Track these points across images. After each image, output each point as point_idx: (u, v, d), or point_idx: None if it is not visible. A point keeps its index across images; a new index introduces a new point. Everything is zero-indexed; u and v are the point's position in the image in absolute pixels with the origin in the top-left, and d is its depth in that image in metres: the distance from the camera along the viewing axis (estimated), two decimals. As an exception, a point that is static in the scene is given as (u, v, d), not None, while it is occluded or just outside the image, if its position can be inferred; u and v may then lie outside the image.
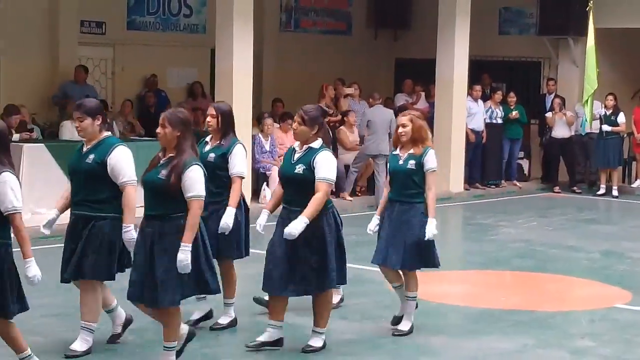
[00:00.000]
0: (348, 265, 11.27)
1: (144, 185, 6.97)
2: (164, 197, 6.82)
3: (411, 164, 8.21)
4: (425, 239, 8.15)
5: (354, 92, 18.55)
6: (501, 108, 18.94)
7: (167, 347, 7.07)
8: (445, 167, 17.86)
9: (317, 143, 7.57)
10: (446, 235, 15.43)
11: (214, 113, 8.32)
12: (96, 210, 7.30)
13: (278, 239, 7.52)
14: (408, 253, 8.22)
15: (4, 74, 12.55)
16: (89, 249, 7.28)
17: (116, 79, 18.47)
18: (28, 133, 14.67)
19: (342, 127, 17.11)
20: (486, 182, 18.98)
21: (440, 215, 16.51)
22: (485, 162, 18.88)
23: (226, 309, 8.47)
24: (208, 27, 18.80)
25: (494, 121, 18.84)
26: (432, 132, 17.58)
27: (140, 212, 7.12)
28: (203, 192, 6.86)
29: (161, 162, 6.94)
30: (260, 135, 15.79)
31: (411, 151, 8.24)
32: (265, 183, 15.42)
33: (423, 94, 19.56)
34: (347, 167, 16.59)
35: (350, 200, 16.42)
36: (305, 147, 7.57)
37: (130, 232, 7.21)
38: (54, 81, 16.73)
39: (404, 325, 8.44)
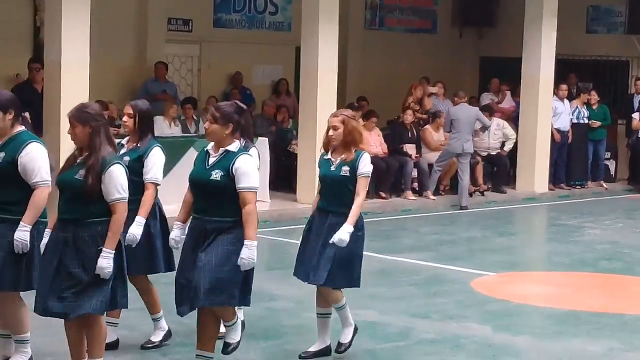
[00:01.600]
0: (429, 264, 11.39)
1: (59, 187, 6.34)
2: (81, 199, 6.19)
3: (344, 170, 7.27)
4: (330, 241, 7.13)
5: (438, 90, 18.48)
6: (585, 108, 18.71)
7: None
8: (530, 167, 17.73)
9: (234, 146, 6.64)
10: (531, 235, 15.33)
11: (131, 112, 7.50)
12: (9, 213, 6.61)
13: (187, 254, 6.68)
14: (335, 269, 7.24)
15: (93, 70, 12.75)
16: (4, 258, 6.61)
17: (202, 76, 18.66)
18: (116, 129, 14.90)
19: (427, 127, 17.05)
20: (571, 183, 18.75)
21: (525, 215, 16.58)
22: (571, 162, 18.64)
23: (156, 324, 7.71)
24: (293, 25, 18.88)
25: (580, 121, 18.61)
26: (516, 131, 17.81)
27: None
28: (126, 194, 6.27)
29: (78, 161, 6.32)
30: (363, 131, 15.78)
31: (343, 156, 7.32)
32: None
33: (509, 93, 19.40)
34: (430, 165, 16.54)
35: (434, 199, 16.36)
36: (221, 150, 6.61)
37: (25, 233, 6.52)
38: (141, 78, 16.96)
39: (347, 334, 7.56)
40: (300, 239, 7.51)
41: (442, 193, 16.85)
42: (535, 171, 17.74)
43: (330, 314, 7.53)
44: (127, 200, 6.27)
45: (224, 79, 18.64)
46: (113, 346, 7.40)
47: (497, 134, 17.66)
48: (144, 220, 7.20)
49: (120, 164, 6.30)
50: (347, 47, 19.38)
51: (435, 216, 15.50)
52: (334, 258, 7.18)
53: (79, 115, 6.30)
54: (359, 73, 20.22)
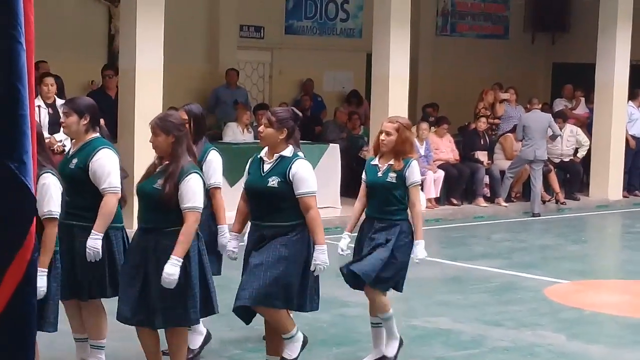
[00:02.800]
0: (502, 271, 11.31)
1: (139, 196, 6.37)
2: (160, 208, 6.20)
3: (391, 177, 7.19)
4: (416, 261, 7.17)
5: (510, 97, 18.36)
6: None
7: None
8: (604, 173, 17.51)
9: (288, 151, 6.59)
10: (604, 243, 15.14)
11: (185, 117, 7.29)
12: (82, 219, 6.63)
13: (246, 261, 6.65)
14: (380, 271, 7.12)
15: (166, 77, 12.89)
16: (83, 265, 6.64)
17: (273, 82, 18.77)
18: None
19: (509, 135, 16.91)
20: (646, 190, 18.49)
21: (598, 222, 16.38)
22: (646, 169, 18.38)
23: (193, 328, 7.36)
24: (364, 32, 18.91)
25: (656, 127, 18.34)
26: (590, 138, 17.61)
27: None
28: (201, 204, 6.24)
29: (157, 170, 6.35)
30: (415, 140, 15.76)
31: (391, 162, 7.23)
32: (420, 187, 15.37)
33: (583, 99, 19.20)
34: (502, 172, 16.42)
35: (506, 206, 16.25)
36: (275, 156, 6.58)
37: (96, 241, 6.53)
38: (213, 84, 17.11)
39: (392, 348, 7.44)
40: (353, 249, 7.41)
41: (514, 200, 16.73)
42: (609, 178, 17.52)
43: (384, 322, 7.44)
44: (200, 210, 6.24)
45: (295, 86, 18.73)
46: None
47: (570, 141, 17.48)
48: (226, 227, 7.16)
49: (199, 174, 6.28)
50: (418, 53, 19.36)
51: (508, 223, 15.38)
52: (381, 260, 7.10)
53: (163, 125, 6.32)
54: (430, 79, 20.18)
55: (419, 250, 7.17)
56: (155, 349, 6.44)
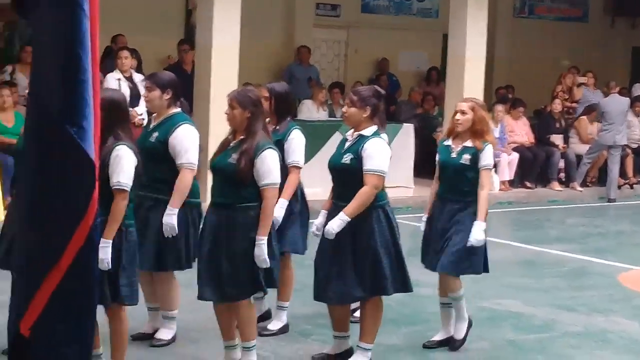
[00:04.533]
0: (575, 256, 11.20)
1: (213, 170, 6.35)
2: (234, 183, 6.18)
3: (465, 158, 7.13)
4: (468, 245, 7.03)
5: (588, 80, 18.11)
6: None
7: (246, 347, 6.43)
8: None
9: (369, 130, 6.54)
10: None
11: (267, 95, 7.27)
12: (159, 192, 6.72)
13: (323, 240, 6.61)
14: (455, 256, 7.10)
15: (242, 54, 12.94)
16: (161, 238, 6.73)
17: (349, 61, 18.74)
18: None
19: (584, 117, 16.72)
20: None
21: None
22: None
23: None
24: (441, 12, 18.78)
25: None
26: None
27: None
28: (279, 179, 6.25)
29: (231, 145, 6.32)
30: (490, 121, 15.62)
31: (467, 144, 7.16)
32: (494, 169, 15.24)
33: (662, 84, 18.88)
34: (578, 156, 16.22)
35: (581, 191, 16.07)
36: (356, 134, 6.55)
37: (172, 217, 6.63)
38: (289, 62, 17.14)
39: (460, 330, 7.37)
40: (423, 229, 7.39)
41: (589, 185, 16.53)
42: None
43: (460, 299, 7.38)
44: (278, 185, 6.25)
45: (370, 65, 18.68)
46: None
47: (649, 126, 17.20)
48: (286, 203, 7.10)
49: (274, 149, 6.25)
50: (495, 34, 19.16)
51: (582, 208, 15.21)
52: (457, 246, 7.07)
53: (241, 99, 6.30)
54: (506, 61, 19.98)
55: (476, 231, 7.03)
56: (228, 325, 6.47)
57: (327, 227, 6.42)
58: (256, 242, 6.12)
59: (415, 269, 7.45)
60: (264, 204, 6.17)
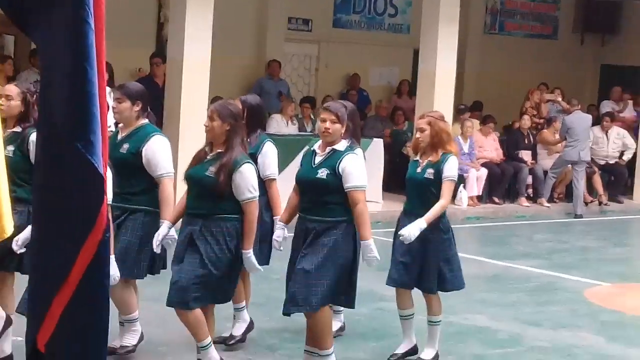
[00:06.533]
0: (542, 271, 11.27)
1: (188, 182, 6.42)
2: (210, 196, 6.24)
3: (429, 172, 7.18)
4: (400, 238, 7.04)
5: (555, 97, 18.25)
6: None
7: (201, 347, 6.46)
8: (650, 177, 17.37)
9: (342, 145, 6.60)
10: (647, 247, 15.05)
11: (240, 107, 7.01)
12: (128, 202, 6.74)
13: (292, 254, 6.68)
14: (426, 273, 7.18)
15: (213, 67, 12.96)
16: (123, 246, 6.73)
17: (319, 75, 18.79)
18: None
19: (544, 131, 16.88)
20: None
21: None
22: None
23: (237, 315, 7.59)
24: (412, 27, 18.87)
25: None
26: (636, 141, 17.47)
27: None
28: (257, 192, 6.33)
29: (208, 157, 6.37)
30: (460, 137, 15.74)
31: (430, 158, 7.23)
32: (462, 185, 15.37)
33: (631, 102, 19.05)
34: (545, 172, 16.36)
35: (548, 207, 16.18)
36: (328, 149, 6.60)
37: (168, 229, 6.60)
38: (261, 75, 17.16)
39: (427, 354, 7.39)
40: (392, 246, 7.41)
41: (557, 201, 16.66)
42: (656, 181, 17.39)
43: (413, 314, 7.44)
44: (257, 198, 6.33)
45: (341, 79, 18.73)
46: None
47: (616, 143, 17.36)
48: (277, 217, 7.14)
49: (251, 164, 6.34)
50: (466, 50, 19.28)
51: (549, 224, 15.32)
52: (424, 263, 7.13)
53: (221, 111, 6.36)
54: (476, 77, 20.09)
55: (413, 227, 6.96)
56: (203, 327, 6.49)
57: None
58: (243, 256, 6.26)
59: (383, 284, 7.51)
60: (246, 218, 6.26)
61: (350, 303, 6.81)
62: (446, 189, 7.15)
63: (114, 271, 5.79)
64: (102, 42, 4.42)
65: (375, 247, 6.54)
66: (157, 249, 6.60)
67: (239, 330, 7.54)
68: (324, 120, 6.62)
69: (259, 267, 6.37)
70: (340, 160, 6.52)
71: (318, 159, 6.62)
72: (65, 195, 4.43)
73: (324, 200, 6.52)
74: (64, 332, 4.45)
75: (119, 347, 7.05)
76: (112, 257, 5.84)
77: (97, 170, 4.42)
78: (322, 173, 6.52)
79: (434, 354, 7.42)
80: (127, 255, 6.75)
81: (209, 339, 6.46)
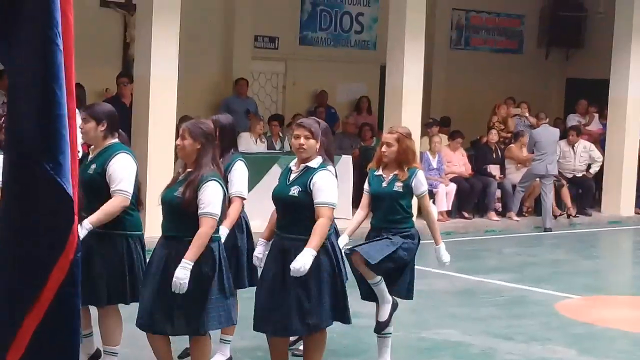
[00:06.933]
0: (513, 285, 11.30)
1: (162, 204, 6.35)
2: (180, 216, 6.18)
3: (398, 186, 7.24)
4: (445, 261, 7.48)
5: (521, 112, 18.34)
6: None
7: None
8: (616, 189, 17.48)
9: (315, 162, 6.57)
10: (616, 259, 15.11)
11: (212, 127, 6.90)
12: (100, 226, 6.62)
13: (266, 271, 6.65)
14: (402, 278, 7.33)
15: (180, 86, 12.93)
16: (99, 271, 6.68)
17: (287, 93, 18.80)
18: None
19: (512, 146, 16.96)
20: (658, 207, 18.42)
21: (610, 238, 16.35)
22: (658, 186, 18.33)
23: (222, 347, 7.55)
24: (379, 44, 18.94)
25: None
26: (603, 154, 17.58)
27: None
28: (217, 211, 6.18)
29: (180, 178, 6.37)
30: (428, 152, 15.79)
31: (396, 173, 7.29)
32: (432, 200, 15.38)
33: (596, 115, 19.18)
34: (514, 186, 16.42)
35: (517, 221, 16.24)
36: (302, 166, 6.58)
37: (83, 232, 6.37)
38: (228, 94, 17.15)
39: (383, 314, 7.40)
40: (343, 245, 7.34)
41: (526, 214, 16.73)
42: (621, 194, 17.48)
43: (391, 333, 7.46)
44: (217, 217, 6.20)
45: (309, 96, 18.76)
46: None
47: (583, 156, 17.45)
48: (227, 231, 6.95)
49: (218, 181, 6.24)
50: (432, 66, 19.37)
51: (519, 237, 15.37)
52: (387, 247, 7.15)
53: (193, 130, 6.32)
54: (443, 92, 20.19)
55: (443, 253, 7.41)
56: (167, 356, 6.45)
57: (295, 265, 6.25)
58: (181, 264, 6.03)
59: (354, 301, 7.48)
60: (199, 231, 6.10)
61: (347, 319, 6.72)
62: (427, 203, 7.37)
63: None
64: (72, 63, 4.39)
65: (311, 259, 6.34)
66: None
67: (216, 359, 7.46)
68: (297, 137, 6.60)
69: (183, 284, 6.02)
70: (312, 177, 6.50)
71: (292, 176, 6.61)
72: (34, 217, 4.41)
73: (298, 217, 6.49)
74: (35, 352, 4.42)
75: None
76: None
77: (65, 191, 4.39)
78: (294, 190, 6.49)
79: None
80: (111, 280, 6.70)
81: None
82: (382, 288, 7.33)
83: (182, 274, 6.02)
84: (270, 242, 6.80)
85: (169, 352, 6.46)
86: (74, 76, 4.40)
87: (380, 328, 7.38)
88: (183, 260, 6.04)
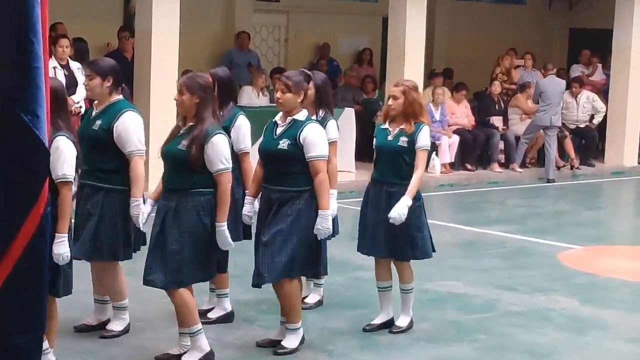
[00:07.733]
0: (515, 236, 11.32)
1: (164, 157, 6.35)
2: (184, 169, 6.19)
3: (402, 141, 7.14)
4: (390, 220, 6.99)
5: (526, 62, 18.27)
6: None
7: (191, 333, 6.41)
8: (619, 140, 17.47)
9: (302, 114, 6.60)
10: (619, 209, 15.14)
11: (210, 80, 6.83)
12: (103, 181, 6.69)
13: (259, 224, 6.68)
14: (399, 241, 7.19)
15: (182, 40, 12.88)
16: (101, 227, 6.71)
17: (289, 45, 18.72)
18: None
19: (518, 96, 16.92)
20: (662, 157, 18.42)
21: (613, 189, 16.36)
22: (662, 136, 18.30)
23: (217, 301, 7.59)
24: (381, -5, 18.82)
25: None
26: (606, 104, 17.54)
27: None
28: (230, 164, 6.25)
29: (181, 131, 6.32)
30: (431, 104, 15.75)
31: (402, 127, 7.19)
32: (434, 152, 15.38)
33: (600, 65, 19.11)
34: (517, 138, 16.40)
35: (520, 172, 16.25)
36: (289, 119, 6.58)
37: (138, 206, 6.60)
38: (229, 47, 17.08)
39: (402, 321, 7.45)
40: (359, 215, 7.42)
41: (529, 166, 16.73)
42: (624, 145, 17.47)
43: (391, 287, 7.48)
44: (230, 169, 6.27)
45: (311, 49, 18.68)
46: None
47: (586, 107, 17.42)
48: (253, 199, 7.00)
49: (223, 134, 6.28)
50: (435, 17, 19.26)
51: (522, 189, 15.38)
52: (395, 231, 7.11)
53: (189, 84, 6.30)
54: (446, 44, 20.09)
55: (401, 205, 6.99)
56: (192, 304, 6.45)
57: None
58: (217, 229, 6.18)
59: (358, 253, 7.52)
60: (219, 189, 6.20)
61: (317, 275, 6.85)
62: (421, 159, 7.15)
63: (65, 250, 5.72)
64: (46, 16, 4.35)
65: (331, 218, 6.53)
66: (143, 227, 6.60)
67: (215, 313, 7.48)
68: (276, 90, 6.70)
69: (232, 242, 6.29)
70: (301, 130, 6.53)
71: (279, 130, 6.62)
72: (10, 167, 4.39)
73: (286, 171, 6.53)
74: (4, 302, 4.44)
75: (96, 327, 7.03)
76: (66, 236, 5.76)
77: (42, 143, 4.38)
78: (284, 144, 6.52)
79: (409, 321, 7.46)
80: (113, 238, 6.73)
81: (198, 325, 6.42)
82: (409, 299, 7.43)
83: (224, 237, 6.22)
84: (257, 199, 6.84)
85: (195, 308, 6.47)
86: (47, 31, 4.36)
87: (392, 331, 7.41)
88: (217, 224, 6.18)
